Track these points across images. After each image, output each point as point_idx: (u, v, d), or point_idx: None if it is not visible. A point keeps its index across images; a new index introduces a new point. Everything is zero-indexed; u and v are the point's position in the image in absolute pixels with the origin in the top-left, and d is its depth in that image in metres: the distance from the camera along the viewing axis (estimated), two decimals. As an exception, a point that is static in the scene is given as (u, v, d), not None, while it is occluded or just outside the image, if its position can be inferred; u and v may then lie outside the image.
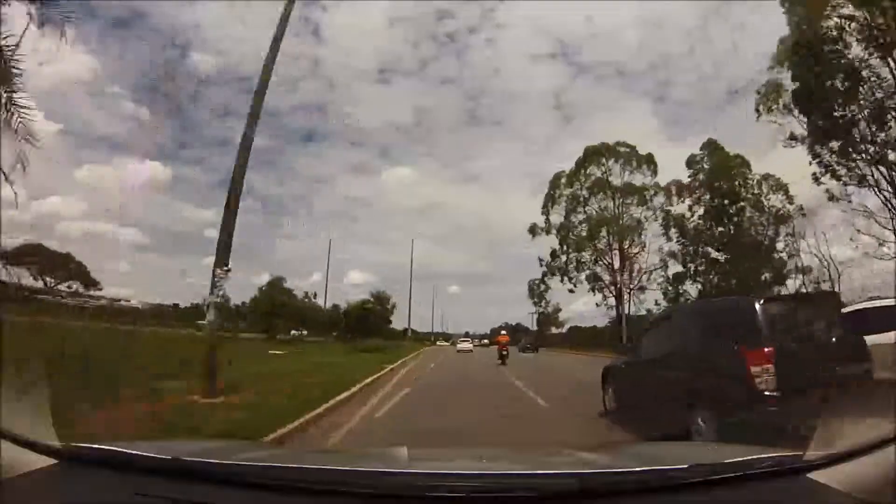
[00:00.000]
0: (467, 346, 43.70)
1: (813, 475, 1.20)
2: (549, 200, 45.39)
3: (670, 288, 39.70)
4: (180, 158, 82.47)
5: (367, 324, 29.89)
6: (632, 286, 42.65)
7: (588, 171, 43.99)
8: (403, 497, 1.13)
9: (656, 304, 40.65)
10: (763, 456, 1.30)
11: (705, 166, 37.09)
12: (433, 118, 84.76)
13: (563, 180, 44.73)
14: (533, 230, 45.68)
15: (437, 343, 69.71)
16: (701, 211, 37.48)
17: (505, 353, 20.61)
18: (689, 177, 38.51)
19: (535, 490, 1.16)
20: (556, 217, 45.12)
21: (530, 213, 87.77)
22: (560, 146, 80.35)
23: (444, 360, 24.24)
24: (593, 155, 43.63)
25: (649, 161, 42.71)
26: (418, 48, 74.94)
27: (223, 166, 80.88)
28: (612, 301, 43.47)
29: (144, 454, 1.32)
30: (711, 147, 37.43)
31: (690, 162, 38.12)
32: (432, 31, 79.97)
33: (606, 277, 43.75)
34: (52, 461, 1.27)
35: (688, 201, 38.51)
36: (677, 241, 39.05)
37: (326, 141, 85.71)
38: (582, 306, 75.40)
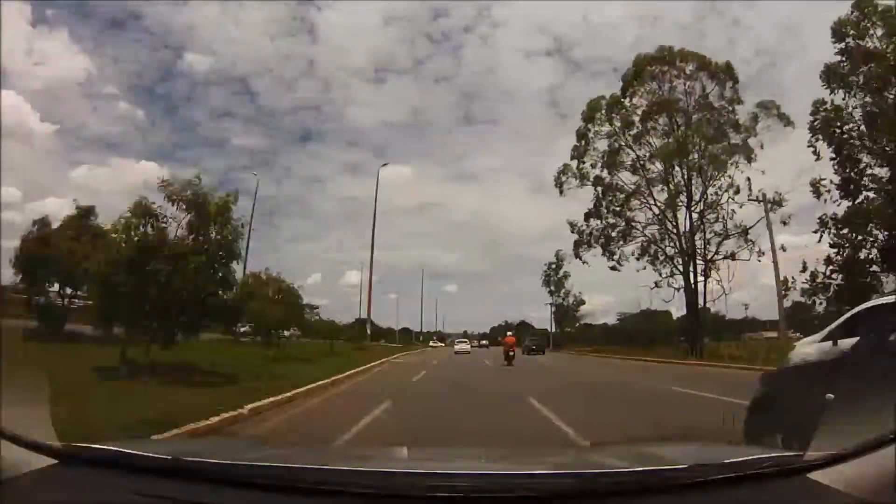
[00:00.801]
0: (465, 346, 41.44)
1: (813, 475, 1.20)
2: (583, 139, 30.80)
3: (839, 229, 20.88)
4: (176, 159, 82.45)
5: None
6: (711, 254, 27.62)
7: (632, 102, 29.22)
8: (403, 497, 1.13)
9: (803, 269, 22.36)
10: (763, 456, 1.31)
11: (860, 42, 20.75)
12: (429, 117, 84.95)
13: (603, 111, 30.11)
14: (561, 177, 31.44)
15: (430, 344, 63.19)
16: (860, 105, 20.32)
17: (511, 353, 20.66)
18: (839, 54, 21.25)
19: (535, 490, 1.16)
20: (585, 169, 31.04)
21: (528, 212, 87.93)
22: (556, 144, 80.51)
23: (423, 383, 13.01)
24: (647, 65, 28.87)
25: (728, 74, 27.84)
26: (414, 47, 74.88)
27: (219, 167, 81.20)
28: (678, 281, 28.77)
29: (144, 454, 1.32)
30: (866, 5, 20.79)
31: (839, 32, 21.26)
32: (427, 29, 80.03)
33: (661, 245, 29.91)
34: (52, 461, 1.28)
35: (838, 97, 21.14)
36: (833, 160, 21.11)
37: (322, 141, 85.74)
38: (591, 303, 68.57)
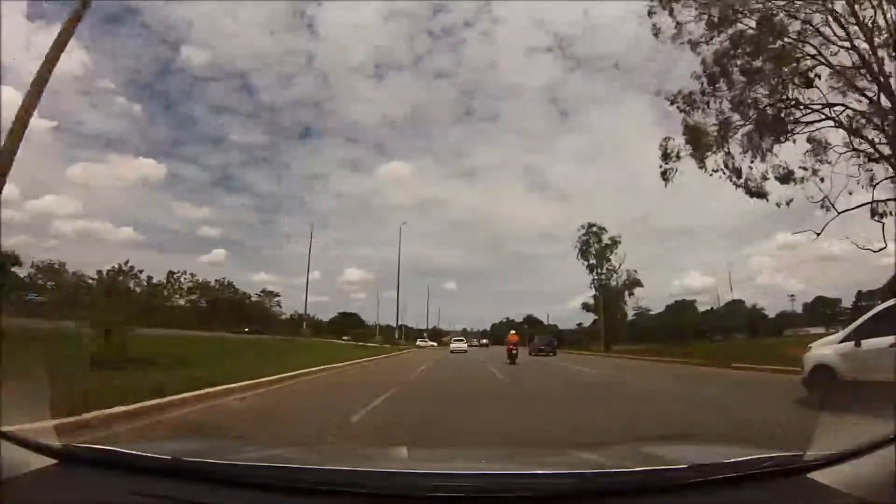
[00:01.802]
0: (461, 346, 38.77)
1: (813, 475, 1.20)
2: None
3: None
4: (174, 156, 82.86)
5: None
6: None
7: None
8: (404, 497, 1.14)
9: None
10: (763, 456, 1.30)
11: None
12: (429, 114, 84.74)
13: None
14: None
15: (419, 343, 52.35)
16: None
17: (514, 352, 20.61)
18: None
19: (535, 490, 1.17)
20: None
21: (529, 210, 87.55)
22: (556, 141, 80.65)
23: None
24: None
25: None
26: (413, 43, 74.47)
27: (217, 164, 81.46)
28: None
29: (144, 454, 1.32)
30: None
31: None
32: (427, 25, 79.84)
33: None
34: (51, 461, 1.28)
35: None
36: None
37: (322, 137, 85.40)
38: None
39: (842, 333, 6.71)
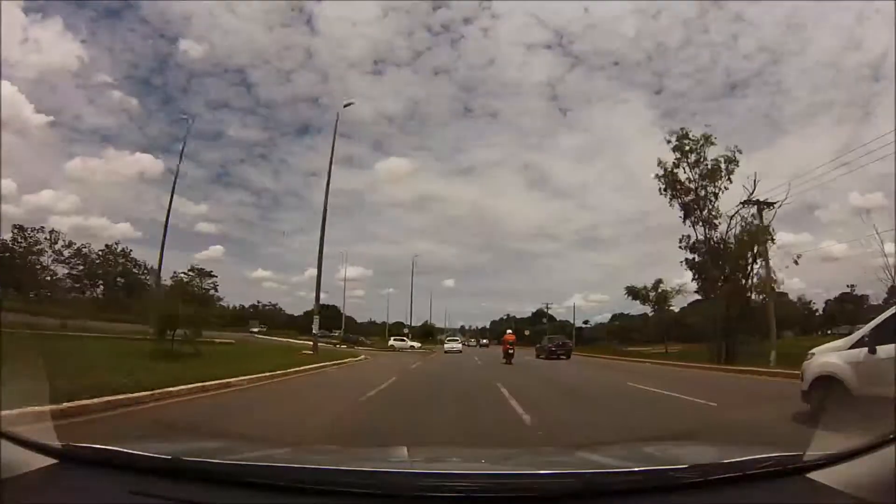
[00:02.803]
0: (456, 346, 36.78)
1: (813, 475, 1.20)
2: None
3: None
4: (172, 151, 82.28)
5: None
6: None
7: None
8: (404, 497, 1.14)
9: None
10: (763, 456, 1.31)
11: None
12: (427, 110, 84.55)
13: None
14: None
15: (392, 342, 40.24)
16: None
17: (511, 352, 20.63)
18: None
19: (535, 490, 1.17)
20: None
21: (529, 208, 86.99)
22: (556, 138, 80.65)
23: None
24: None
25: None
26: (413, 38, 74.01)
27: (215, 160, 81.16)
28: None
29: (144, 454, 1.32)
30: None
31: None
32: (427, 21, 79.50)
33: None
34: (51, 461, 1.28)
35: None
36: None
37: (319, 134, 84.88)
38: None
39: (851, 337, 5.65)
